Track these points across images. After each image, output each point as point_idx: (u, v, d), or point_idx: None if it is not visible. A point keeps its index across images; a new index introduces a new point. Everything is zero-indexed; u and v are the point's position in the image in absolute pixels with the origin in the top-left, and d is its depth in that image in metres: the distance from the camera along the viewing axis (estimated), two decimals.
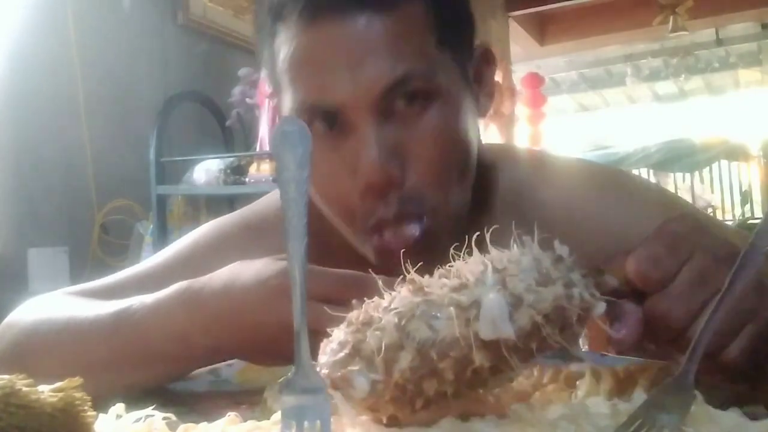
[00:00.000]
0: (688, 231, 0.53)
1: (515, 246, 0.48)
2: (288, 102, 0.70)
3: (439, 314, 0.45)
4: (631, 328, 0.50)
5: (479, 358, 0.44)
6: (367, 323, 0.46)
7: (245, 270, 0.61)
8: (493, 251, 0.47)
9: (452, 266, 0.48)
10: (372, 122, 0.66)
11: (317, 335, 0.49)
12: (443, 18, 0.69)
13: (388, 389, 0.45)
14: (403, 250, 0.59)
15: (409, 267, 0.48)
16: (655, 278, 0.50)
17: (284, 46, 0.69)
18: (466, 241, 0.48)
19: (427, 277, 0.48)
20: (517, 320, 0.44)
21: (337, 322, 0.48)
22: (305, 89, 0.68)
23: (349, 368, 0.45)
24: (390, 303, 0.46)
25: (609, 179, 0.85)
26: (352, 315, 0.48)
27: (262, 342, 0.59)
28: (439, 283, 0.46)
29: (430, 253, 0.58)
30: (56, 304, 0.76)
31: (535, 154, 0.89)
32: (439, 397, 0.46)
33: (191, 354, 0.64)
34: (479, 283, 0.45)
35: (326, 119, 0.67)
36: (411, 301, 0.45)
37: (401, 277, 0.48)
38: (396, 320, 0.45)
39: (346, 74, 0.65)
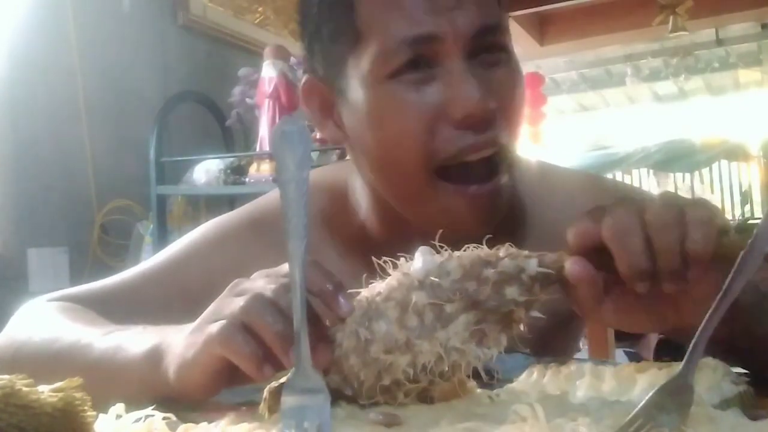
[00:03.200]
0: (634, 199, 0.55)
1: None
2: (374, 48, 0.70)
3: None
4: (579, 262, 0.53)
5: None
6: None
7: (152, 333, 0.63)
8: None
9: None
10: (464, 60, 0.69)
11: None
12: None
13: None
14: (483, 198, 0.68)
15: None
16: (591, 226, 0.53)
17: None
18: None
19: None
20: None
21: None
22: (405, 22, 0.70)
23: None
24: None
25: (602, 186, 0.88)
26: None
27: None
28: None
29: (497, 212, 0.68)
30: (42, 322, 0.76)
31: (532, 163, 0.90)
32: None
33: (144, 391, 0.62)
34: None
35: (414, 60, 0.70)
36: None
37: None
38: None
39: (447, 10, 0.69)
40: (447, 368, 0.51)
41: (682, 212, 0.52)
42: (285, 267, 0.55)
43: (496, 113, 0.70)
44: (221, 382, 0.56)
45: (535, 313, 0.53)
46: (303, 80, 0.81)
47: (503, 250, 0.52)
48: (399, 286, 0.52)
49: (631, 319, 0.56)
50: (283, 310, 0.52)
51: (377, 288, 0.53)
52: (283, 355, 0.51)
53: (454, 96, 0.68)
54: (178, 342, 0.58)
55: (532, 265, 0.52)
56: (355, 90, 0.73)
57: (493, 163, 0.71)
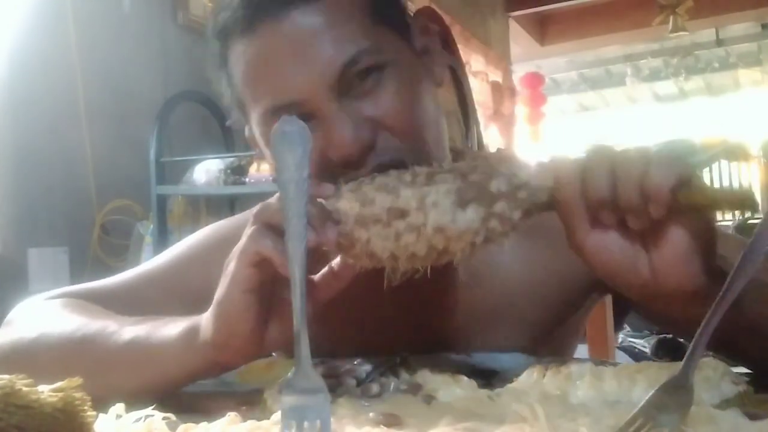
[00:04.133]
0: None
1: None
2: (255, 116, 0.73)
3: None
4: None
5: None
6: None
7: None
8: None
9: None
10: (334, 104, 0.68)
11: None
12: None
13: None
14: None
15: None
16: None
17: (236, 66, 0.73)
18: None
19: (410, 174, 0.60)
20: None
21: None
22: (265, 94, 0.71)
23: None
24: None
25: None
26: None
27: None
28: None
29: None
30: (50, 315, 0.77)
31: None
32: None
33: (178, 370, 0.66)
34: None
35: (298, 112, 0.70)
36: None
37: None
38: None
39: (298, 68, 0.68)
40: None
41: (647, 152, 0.55)
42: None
43: (372, 139, 0.69)
44: (257, 326, 0.59)
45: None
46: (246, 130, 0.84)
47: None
48: None
49: (608, 259, 0.57)
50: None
51: None
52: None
53: (329, 143, 0.68)
54: (209, 314, 0.62)
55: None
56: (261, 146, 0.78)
57: (388, 163, 0.69)
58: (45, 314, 0.77)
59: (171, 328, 0.66)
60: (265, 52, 0.70)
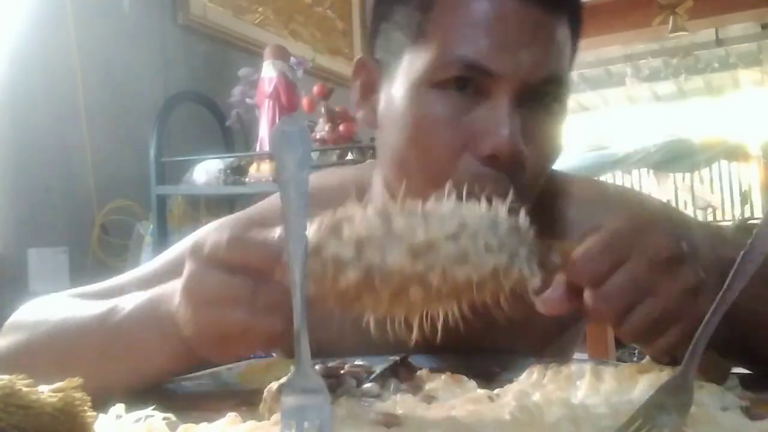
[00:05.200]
0: (631, 230, 0.55)
1: (484, 204, 0.53)
2: (432, 53, 0.70)
3: (393, 248, 0.50)
4: (555, 295, 0.55)
5: (413, 294, 0.50)
6: (334, 230, 0.51)
7: (167, 294, 0.63)
8: (464, 205, 0.53)
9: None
10: (515, 101, 0.68)
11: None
12: (576, 36, 0.74)
13: (331, 293, 0.51)
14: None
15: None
16: (587, 276, 0.54)
17: (459, 6, 0.70)
18: None
19: (399, 205, 0.52)
20: (456, 274, 0.50)
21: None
22: (472, 45, 0.69)
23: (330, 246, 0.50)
24: (358, 220, 0.51)
25: (602, 191, 0.89)
26: (324, 218, 0.52)
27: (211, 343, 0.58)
28: (407, 218, 0.51)
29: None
30: (54, 305, 0.77)
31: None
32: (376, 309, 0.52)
33: (167, 350, 0.63)
34: (440, 228, 0.51)
35: (465, 79, 0.69)
36: (375, 226, 0.51)
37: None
38: (355, 238, 0.50)
39: (516, 49, 0.68)
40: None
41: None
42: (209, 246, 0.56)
43: (523, 159, 0.69)
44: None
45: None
46: (356, 60, 0.82)
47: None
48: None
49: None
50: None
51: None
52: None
53: (488, 132, 0.68)
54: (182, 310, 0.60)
55: (535, 283, 0.53)
56: (401, 85, 0.73)
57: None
58: (47, 307, 0.77)
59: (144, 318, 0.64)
60: (502, 14, 0.69)
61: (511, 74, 0.68)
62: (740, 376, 0.57)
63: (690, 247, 0.55)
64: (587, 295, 0.54)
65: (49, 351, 0.71)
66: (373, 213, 0.51)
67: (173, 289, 0.62)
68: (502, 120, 0.67)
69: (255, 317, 0.53)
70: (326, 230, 0.51)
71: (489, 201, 0.54)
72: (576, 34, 0.74)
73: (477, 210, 0.52)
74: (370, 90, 0.79)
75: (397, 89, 0.74)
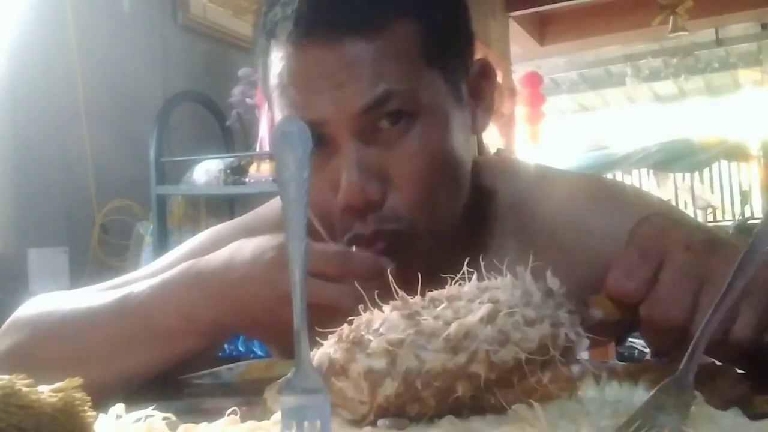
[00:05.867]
0: (656, 230, 0.55)
1: (508, 275, 0.49)
2: (277, 116, 0.72)
3: (428, 345, 0.46)
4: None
5: (461, 389, 0.46)
6: (357, 343, 0.47)
7: (245, 246, 0.65)
8: (487, 281, 0.49)
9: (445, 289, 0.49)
10: (353, 142, 0.67)
11: (316, 309, 0.50)
12: (437, 36, 0.70)
13: (371, 410, 0.47)
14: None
15: (396, 287, 0.49)
16: (632, 290, 0.53)
17: (275, 63, 0.71)
18: (463, 261, 0.49)
19: (418, 298, 0.48)
20: (502, 356, 0.46)
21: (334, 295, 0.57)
22: (291, 107, 0.69)
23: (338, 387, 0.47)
24: (380, 325, 0.47)
25: (602, 189, 0.86)
26: (343, 331, 0.48)
27: (260, 314, 0.62)
28: (431, 311, 0.47)
29: (409, 267, 0.61)
30: (59, 298, 0.77)
31: (531, 167, 0.90)
32: (421, 416, 0.47)
33: (194, 329, 0.64)
34: (471, 312, 0.46)
35: (312, 137, 0.68)
36: (401, 328, 0.46)
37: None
38: (385, 346, 0.46)
39: (328, 93, 0.67)
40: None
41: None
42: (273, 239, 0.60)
43: (382, 197, 0.67)
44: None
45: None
46: None
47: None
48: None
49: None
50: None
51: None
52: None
53: (335, 183, 0.67)
54: (226, 251, 0.66)
55: (584, 346, 0.49)
56: None
57: (384, 232, 0.68)
58: (48, 302, 0.77)
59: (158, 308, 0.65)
60: (306, 67, 0.68)
61: (335, 115, 0.66)
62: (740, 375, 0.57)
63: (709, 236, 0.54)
64: (641, 312, 0.52)
65: (59, 342, 0.69)
66: (395, 314, 0.47)
67: (209, 260, 0.65)
68: (344, 169, 0.67)
69: (347, 290, 0.57)
70: (349, 344, 0.47)
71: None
72: (427, 32, 0.69)
73: (503, 282, 0.48)
74: None
75: None
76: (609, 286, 0.53)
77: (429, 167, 0.69)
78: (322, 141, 0.68)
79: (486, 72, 0.77)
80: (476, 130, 0.76)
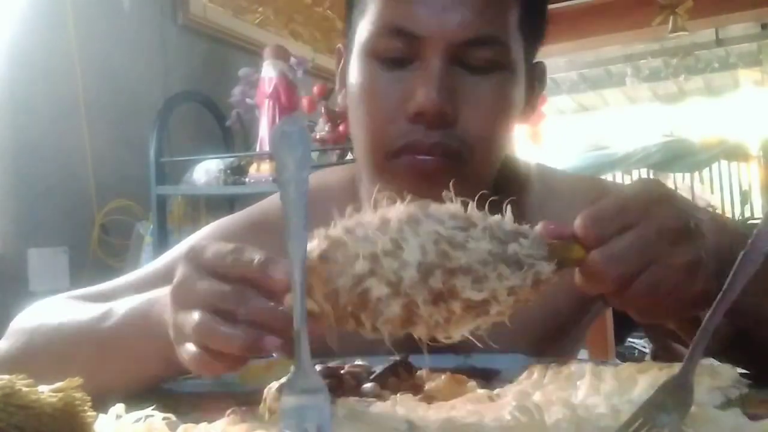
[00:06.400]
0: (643, 197, 0.53)
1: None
2: (368, 23, 0.73)
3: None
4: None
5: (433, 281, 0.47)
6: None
7: (155, 303, 0.62)
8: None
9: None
10: (443, 61, 0.69)
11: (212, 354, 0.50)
12: (533, 10, 0.76)
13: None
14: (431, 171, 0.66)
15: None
16: (593, 234, 0.51)
17: None
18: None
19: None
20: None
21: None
22: (397, 11, 0.71)
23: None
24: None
25: (604, 190, 0.86)
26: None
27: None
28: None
29: (456, 185, 0.57)
30: (53, 309, 0.77)
31: (536, 168, 0.91)
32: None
33: (164, 357, 0.61)
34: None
35: (397, 47, 0.71)
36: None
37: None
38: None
39: (438, 12, 0.69)
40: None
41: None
42: (210, 253, 0.54)
43: (454, 117, 0.70)
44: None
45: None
46: (337, 46, 0.84)
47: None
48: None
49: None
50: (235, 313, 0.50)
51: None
52: (258, 352, 0.50)
53: (414, 91, 0.69)
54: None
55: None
56: (352, 62, 0.76)
57: (446, 146, 0.70)
58: (46, 310, 0.78)
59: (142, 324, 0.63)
60: None
61: (437, 35, 0.69)
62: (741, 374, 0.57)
63: (696, 225, 0.53)
64: (591, 255, 0.51)
65: (48, 354, 0.71)
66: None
67: (166, 293, 0.61)
68: (426, 79, 0.69)
69: (222, 328, 0.50)
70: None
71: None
72: None
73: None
74: (343, 76, 0.82)
75: (351, 67, 0.76)
76: (576, 223, 0.52)
77: (499, 113, 0.73)
78: (407, 52, 0.70)
79: (542, 74, 0.83)
80: (524, 117, 0.80)
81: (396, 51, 0.71)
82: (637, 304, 0.53)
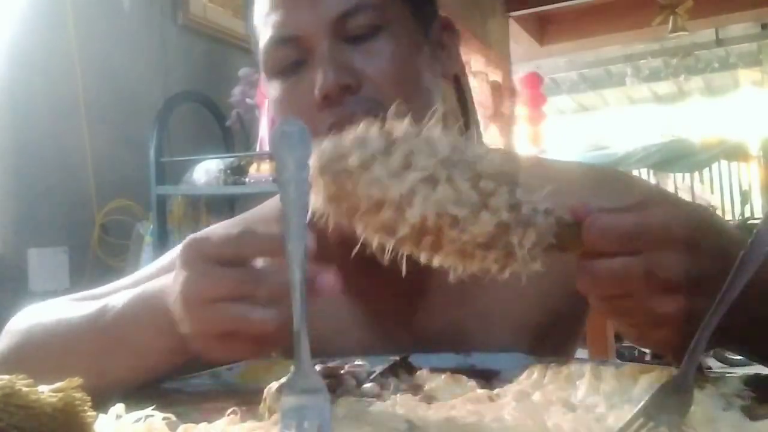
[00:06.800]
0: (660, 224, 0.52)
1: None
2: (261, 47, 0.78)
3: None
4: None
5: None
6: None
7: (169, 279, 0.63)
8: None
9: None
10: (327, 45, 0.73)
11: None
12: None
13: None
14: None
15: None
16: (598, 242, 0.51)
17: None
18: None
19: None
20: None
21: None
22: (272, 25, 0.75)
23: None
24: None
25: (604, 175, 0.86)
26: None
27: (193, 322, 0.58)
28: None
29: None
30: (50, 308, 0.78)
31: (532, 158, 0.91)
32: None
33: (164, 346, 0.63)
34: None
35: (286, 54, 0.75)
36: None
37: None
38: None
39: (305, 7, 0.74)
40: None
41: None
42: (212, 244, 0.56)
43: (357, 86, 0.73)
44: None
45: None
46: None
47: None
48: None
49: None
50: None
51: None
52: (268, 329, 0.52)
53: (313, 83, 0.72)
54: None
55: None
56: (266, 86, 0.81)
57: (365, 110, 0.71)
58: (42, 311, 0.78)
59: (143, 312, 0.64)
60: None
61: (313, 27, 0.73)
62: (741, 375, 0.57)
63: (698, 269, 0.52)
64: (583, 264, 0.52)
65: (46, 354, 0.71)
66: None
67: (164, 284, 0.61)
68: (319, 66, 0.72)
69: (255, 312, 0.53)
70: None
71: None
72: None
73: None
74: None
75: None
76: (589, 224, 0.52)
77: (397, 67, 0.75)
78: (302, 58, 0.74)
79: (449, 26, 0.85)
80: (444, 72, 0.83)
81: (287, 59, 0.76)
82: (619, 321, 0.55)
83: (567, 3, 5.23)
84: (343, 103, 0.72)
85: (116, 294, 0.69)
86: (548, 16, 5.74)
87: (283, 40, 0.75)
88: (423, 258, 0.52)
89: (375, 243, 0.52)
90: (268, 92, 0.81)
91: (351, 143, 0.52)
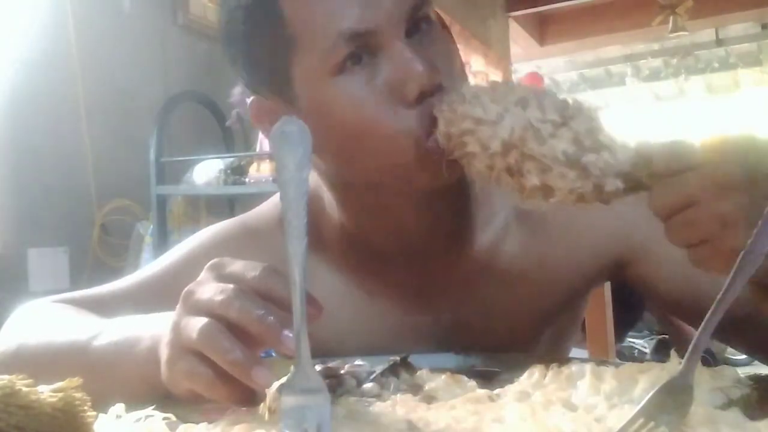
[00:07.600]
0: (742, 178, 0.53)
1: None
2: (313, 48, 0.71)
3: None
4: None
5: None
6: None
7: (147, 327, 0.64)
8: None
9: None
10: (404, 40, 0.70)
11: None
12: None
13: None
14: None
15: None
16: (669, 201, 0.54)
17: None
18: None
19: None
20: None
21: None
22: (343, 18, 0.69)
23: None
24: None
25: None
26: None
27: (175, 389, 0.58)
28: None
29: None
30: (44, 317, 0.78)
31: None
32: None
33: (150, 385, 0.62)
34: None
35: (356, 50, 0.70)
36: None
37: None
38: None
39: (376, 3, 0.69)
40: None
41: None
42: (235, 265, 0.57)
43: (442, 83, 0.71)
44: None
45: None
46: (249, 102, 0.80)
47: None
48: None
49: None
50: (239, 324, 0.52)
51: None
52: (246, 380, 0.51)
53: (404, 77, 0.69)
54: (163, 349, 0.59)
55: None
56: (304, 95, 0.73)
57: None
58: (33, 321, 0.78)
59: (132, 346, 0.64)
60: None
61: (389, 21, 0.70)
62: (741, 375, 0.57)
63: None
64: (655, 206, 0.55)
65: (35, 367, 0.70)
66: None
67: (155, 323, 0.62)
68: (407, 61, 0.69)
69: (222, 379, 0.52)
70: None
71: None
72: None
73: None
74: (269, 122, 0.78)
75: (305, 103, 0.73)
76: (655, 193, 0.55)
77: (457, 59, 0.76)
78: (363, 51, 0.70)
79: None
80: None
81: (360, 55, 0.70)
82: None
83: (567, 3, 5.23)
84: (434, 96, 0.70)
85: (111, 322, 0.69)
86: (548, 16, 5.74)
87: (358, 35, 0.69)
88: (507, 182, 0.59)
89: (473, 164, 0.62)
90: (322, 97, 0.73)
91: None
